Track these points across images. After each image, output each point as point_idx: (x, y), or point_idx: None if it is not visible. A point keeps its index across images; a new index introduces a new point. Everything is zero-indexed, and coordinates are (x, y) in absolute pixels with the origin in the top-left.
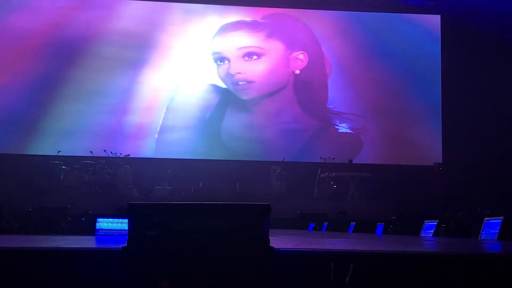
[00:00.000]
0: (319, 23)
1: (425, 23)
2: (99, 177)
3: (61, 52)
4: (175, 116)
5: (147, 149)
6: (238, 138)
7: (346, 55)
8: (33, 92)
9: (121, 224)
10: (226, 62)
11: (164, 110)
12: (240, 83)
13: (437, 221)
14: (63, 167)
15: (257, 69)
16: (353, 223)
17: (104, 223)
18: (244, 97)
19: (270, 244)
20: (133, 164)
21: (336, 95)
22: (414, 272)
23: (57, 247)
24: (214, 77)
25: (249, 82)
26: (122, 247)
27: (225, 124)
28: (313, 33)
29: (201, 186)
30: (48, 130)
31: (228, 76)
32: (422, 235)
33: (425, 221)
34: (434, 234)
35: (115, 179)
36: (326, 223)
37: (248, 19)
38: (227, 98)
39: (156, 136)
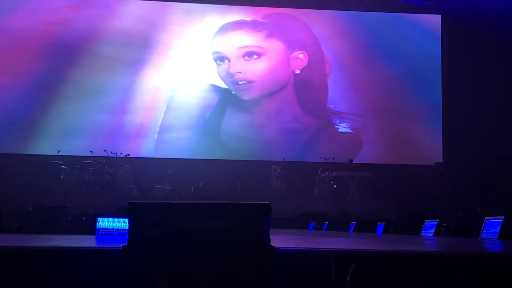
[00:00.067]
0: (319, 23)
1: (426, 23)
2: (99, 177)
3: (61, 52)
4: (175, 115)
5: (147, 148)
6: (238, 137)
7: (346, 55)
8: (33, 92)
9: (122, 223)
10: (226, 61)
11: (164, 110)
12: (240, 82)
13: (438, 220)
14: (63, 166)
15: (257, 69)
16: (353, 223)
17: (104, 223)
18: (245, 97)
19: (271, 244)
20: (133, 164)
21: (336, 94)
22: (415, 272)
23: (57, 246)
24: (214, 76)
25: (249, 81)
26: (123, 247)
27: (225, 123)
28: (313, 33)
29: (201, 185)
30: (48, 130)
31: (228, 76)
32: (422, 235)
33: (426, 220)
34: (435, 234)
35: (115, 178)
36: (326, 223)
37: (248, 18)
38: (227, 97)
39: (156, 136)
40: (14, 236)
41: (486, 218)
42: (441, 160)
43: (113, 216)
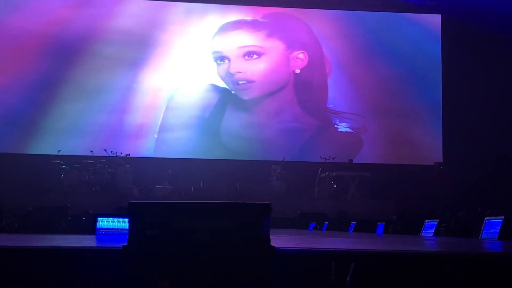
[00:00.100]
0: (320, 23)
1: (426, 22)
2: (99, 177)
3: (61, 52)
4: (175, 115)
5: (147, 148)
6: (238, 137)
7: (346, 54)
8: (33, 92)
9: (122, 223)
10: (226, 61)
11: (164, 110)
12: (240, 82)
13: (438, 220)
14: (63, 166)
15: (257, 69)
16: (353, 223)
17: (104, 222)
18: (245, 97)
19: (271, 244)
20: (133, 164)
21: (336, 94)
22: (415, 271)
23: (57, 246)
24: (214, 76)
25: (249, 81)
26: (123, 246)
27: (225, 123)
28: (313, 33)
29: (201, 185)
30: (48, 130)
31: (228, 76)
32: (422, 235)
33: (426, 220)
34: (435, 234)
35: (116, 178)
36: (326, 223)
37: (248, 18)
38: (227, 97)
39: (156, 135)
40: (14, 236)
41: (486, 218)
42: (441, 160)
43: (113, 216)
